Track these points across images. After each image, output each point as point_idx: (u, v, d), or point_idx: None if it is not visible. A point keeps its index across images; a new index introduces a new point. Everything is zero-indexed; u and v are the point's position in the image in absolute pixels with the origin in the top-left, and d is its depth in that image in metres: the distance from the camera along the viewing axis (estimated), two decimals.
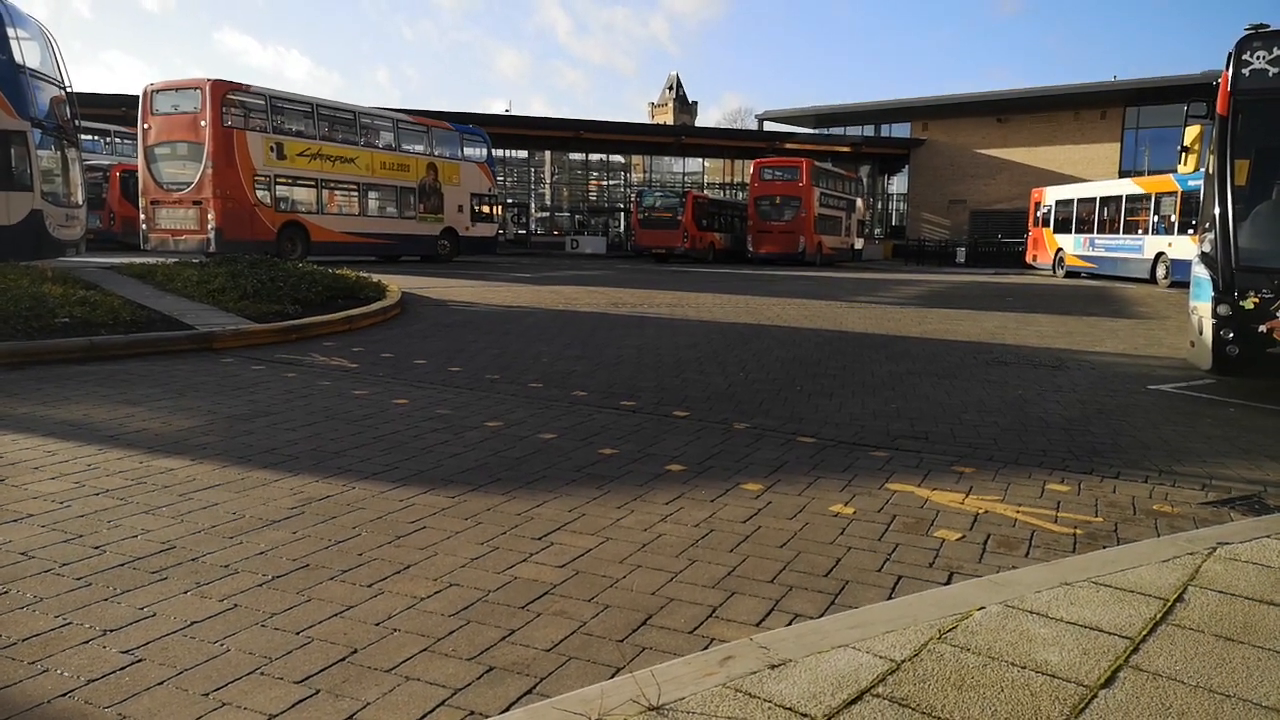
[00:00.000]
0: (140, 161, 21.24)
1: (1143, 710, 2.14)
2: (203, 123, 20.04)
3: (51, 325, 7.91)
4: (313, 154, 22.50)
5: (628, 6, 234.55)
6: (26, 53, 13.72)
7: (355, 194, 24.18)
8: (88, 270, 12.04)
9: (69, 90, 15.14)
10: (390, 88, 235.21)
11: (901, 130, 51.07)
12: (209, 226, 19.97)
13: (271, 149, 21.27)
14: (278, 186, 21.72)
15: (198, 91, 20.27)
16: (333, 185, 23.44)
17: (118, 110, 34.54)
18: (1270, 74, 7.44)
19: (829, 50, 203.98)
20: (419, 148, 26.34)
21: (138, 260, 13.90)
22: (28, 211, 13.57)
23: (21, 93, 13.46)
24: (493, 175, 29.62)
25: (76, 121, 15.50)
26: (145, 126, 20.89)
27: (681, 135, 53.12)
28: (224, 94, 20.35)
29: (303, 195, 22.62)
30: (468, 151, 28.17)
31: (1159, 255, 25.01)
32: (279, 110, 22.25)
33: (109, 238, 26.70)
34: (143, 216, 21.02)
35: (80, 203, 15.58)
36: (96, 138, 31.08)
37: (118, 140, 33.17)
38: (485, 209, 28.86)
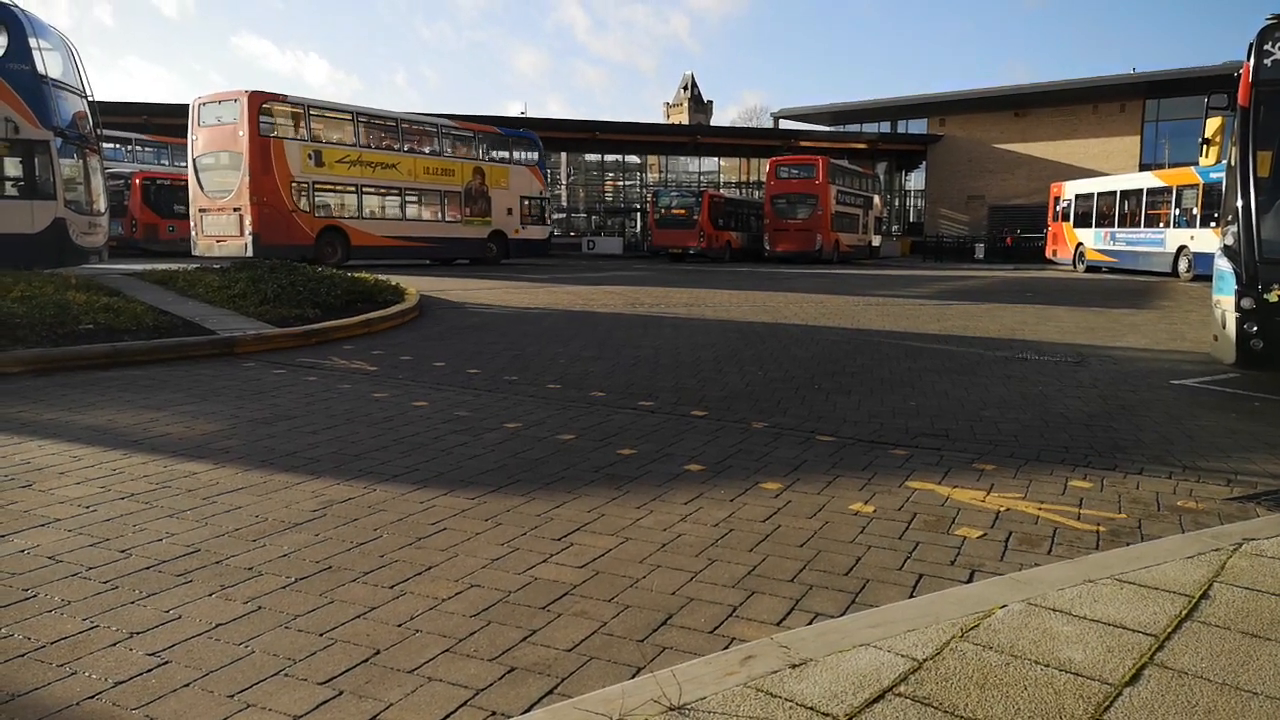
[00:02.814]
0: (190, 171, 22.18)
1: (1168, 708, 2.12)
2: (241, 132, 20.71)
3: (76, 332, 8.01)
4: (352, 160, 23.10)
5: (647, 4, 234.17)
6: (49, 63, 13.92)
7: (397, 199, 24.62)
8: (110, 277, 12.18)
9: (90, 99, 15.33)
10: (408, 89, 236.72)
11: (918, 126, 50.76)
12: (247, 232, 20.65)
13: (310, 156, 21.93)
14: (316, 193, 22.33)
15: (237, 102, 20.97)
16: (373, 191, 23.94)
17: (138, 118, 34.98)
18: None
19: (848, 46, 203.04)
20: (465, 152, 26.70)
21: (159, 266, 14.05)
22: (51, 220, 13.77)
23: (44, 103, 13.65)
24: (544, 178, 29.71)
25: (98, 130, 15.70)
26: (194, 138, 21.89)
27: (697, 134, 53.07)
28: (261, 104, 21.05)
29: (342, 201, 23.22)
30: (518, 155, 28.42)
31: (1181, 249, 24.75)
32: (318, 119, 22.92)
33: (131, 244, 27.03)
34: (193, 224, 21.97)
35: (102, 210, 15.77)
36: (118, 145, 31.45)
37: (139, 148, 33.58)
38: (536, 211, 29.02)
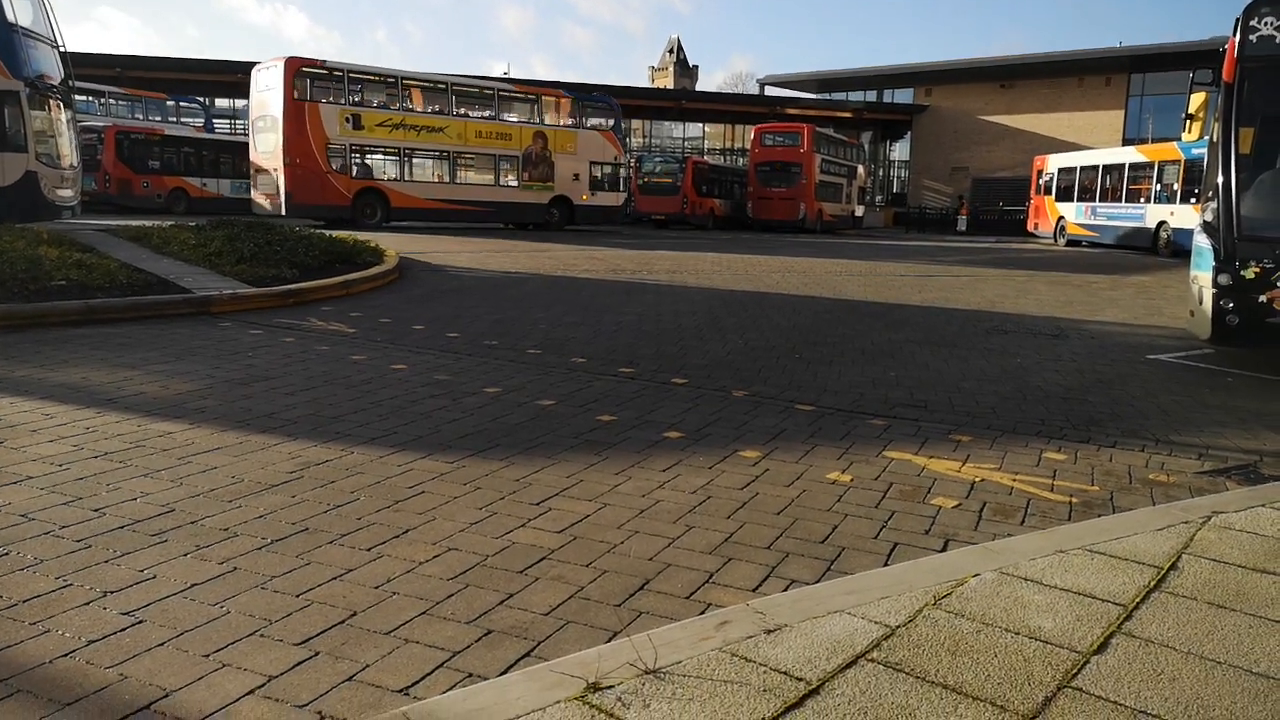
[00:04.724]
0: (250, 132, 23.69)
1: (1134, 675, 2.16)
2: (278, 96, 21.57)
3: (48, 288, 7.88)
4: (395, 124, 23.46)
5: None
6: (19, 11, 13.55)
7: (445, 162, 24.67)
8: (83, 233, 11.97)
9: (62, 50, 14.95)
10: (389, 45, 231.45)
11: (904, 96, 50.55)
12: (281, 191, 21.52)
13: (347, 120, 22.55)
14: (354, 155, 22.90)
15: (277, 68, 21.85)
16: (416, 153, 24.14)
17: (112, 70, 34.18)
18: (1278, 41, 7.34)
19: (838, 10, 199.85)
20: (525, 117, 26.45)
21: (133, 223, 13.82)
22: (22, 173, 13.48)
23: (14, 52, 13.31)
24: (620, 143, 28.91)
25: (70, 82, 15.33)
26: (250, 102, 23.33)
27: (682, 100, 52.61)
28: (296, 69, 21.90)
29: (382, 163, 23.66)
30: (589, 120, 27.87)
31: (1161, 224, 24.91)
32: (358, 83, 23.42)
33: (104, 200, 26.55)
34: (251, 182, 23.44)
35: (75, 164, 15.45)
36: (90, 99, 30.72)
37: (113, 101, 32.84)
38: (609, 177, 28.42)
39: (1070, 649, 2.28)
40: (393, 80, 24.17)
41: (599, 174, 27.95)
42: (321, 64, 22.83)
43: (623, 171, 29.46)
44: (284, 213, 20.88)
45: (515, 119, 26.26)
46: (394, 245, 14.20)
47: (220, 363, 6.05)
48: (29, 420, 4.45)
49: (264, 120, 22.43)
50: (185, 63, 37.96)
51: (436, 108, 24.74)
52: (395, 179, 23.66)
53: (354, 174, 22.82)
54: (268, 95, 22.10)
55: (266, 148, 22.21)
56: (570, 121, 27.48)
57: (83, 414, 4.60)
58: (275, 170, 21.69)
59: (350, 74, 23.14)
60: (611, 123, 28.52)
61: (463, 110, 25.23)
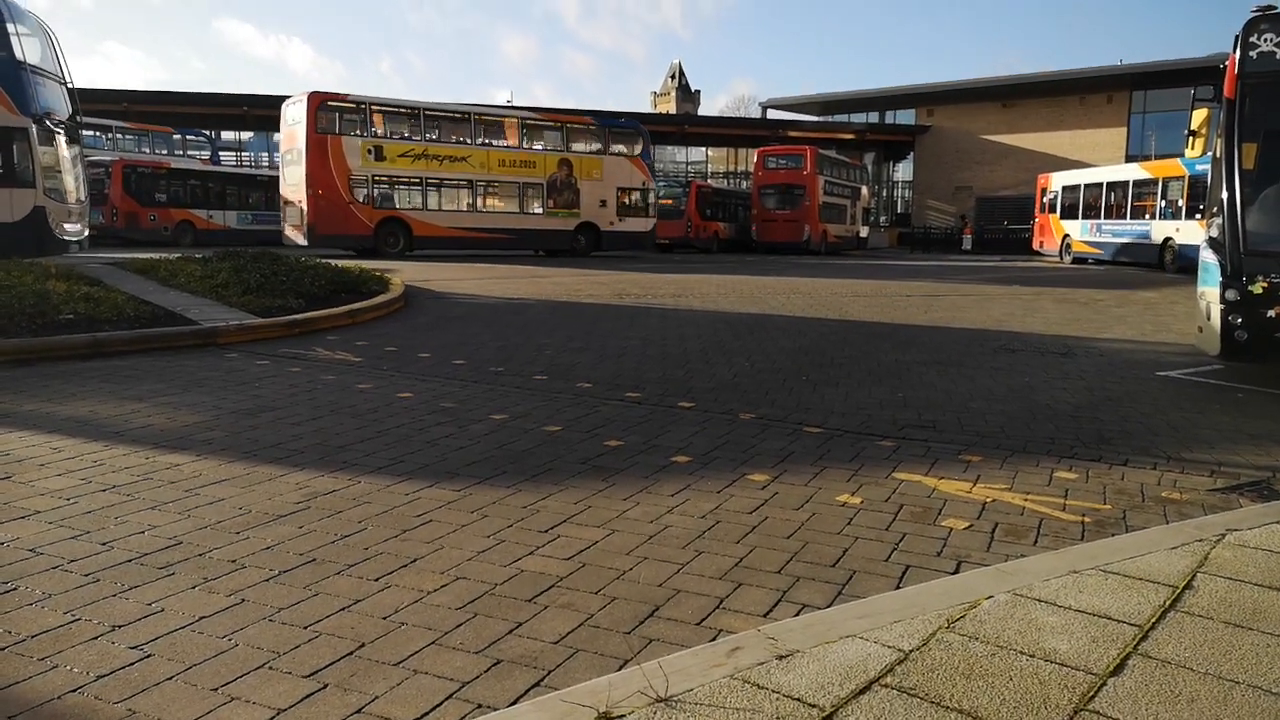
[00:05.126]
0: (280, 166, 24.47)
1: (1152, 698, 2.13)
2: (301, 130, 22.21)
3: (56, 322, 7.92)
4: (416, 155, 23.98)
5: None
6: (27, 49, 13.76)
7: (467, 191, 25.05)
8: (91, 266, 12.06)
9: (70, 86, 15.15)
10: (393, 76, 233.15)
11: (906, 117, 50.82)
12: (304, 222, 22.11)
13: (369, 152, 23.10)
14: (376, 185, 23.43)
15: (301, 103, 22.51)
16: (439, 183, 24.60)
17: (119, 105, 34.60)
18: (1278, 56, 7.37)
19: (842, 32, 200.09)
20: (549, 144, 26.79)
21: (141, 255, 13.92)
22: (31, 208, 13.62)
23: (23, 89, 13.50)
24: (648, 168, 28.89)
25: (78, 117, 15.52)
26: (280, 136, 24.27)
27: (685, 124, 52.95)
28: (319, 104, 22.49)
29: (405, 193, 24.19)
30: (616, 146, 27.97)
31: (1166, 240, 24.91)
32: (380, 116, 24.05)
33: (112, 233, 26.77)
34: (281, 214, 24.29)
35: (83, 199, 15.61)
36: (98, 133, 31.06)
37: (120, 135, 33.21)
38: (637, 203, 28.42)
39: (1086, 671, 2.25)
40: (415, 111, 24.64)
41: (627, 200, 28.01)
42: (344, 98, 23.42)
43: (651, 197, 29.36)
44: (308, 243, 21.47)
45: (539, 146, 26.58)
46: (406, 273, 14.26)
47: (227, 394, 6.07)
48: (37, 454, 4.46)
49: (291, 153, 23.02)
50: (191, 96, 38.43)
51: (458, 137, 25.13)
52: (418, 208, 24.14)
53: (376, 204, 23.30)
54: (294, 129, 22.73)
55: (293, 180, 22.80)
56: (596, 147, 27.64)
57: (90, 447, 4.61)
58: (300, 202, 22.20)
59: (373, 107, 23.67)
60: (638, 148, 28.59)
61: (485, 139, 25.59)
